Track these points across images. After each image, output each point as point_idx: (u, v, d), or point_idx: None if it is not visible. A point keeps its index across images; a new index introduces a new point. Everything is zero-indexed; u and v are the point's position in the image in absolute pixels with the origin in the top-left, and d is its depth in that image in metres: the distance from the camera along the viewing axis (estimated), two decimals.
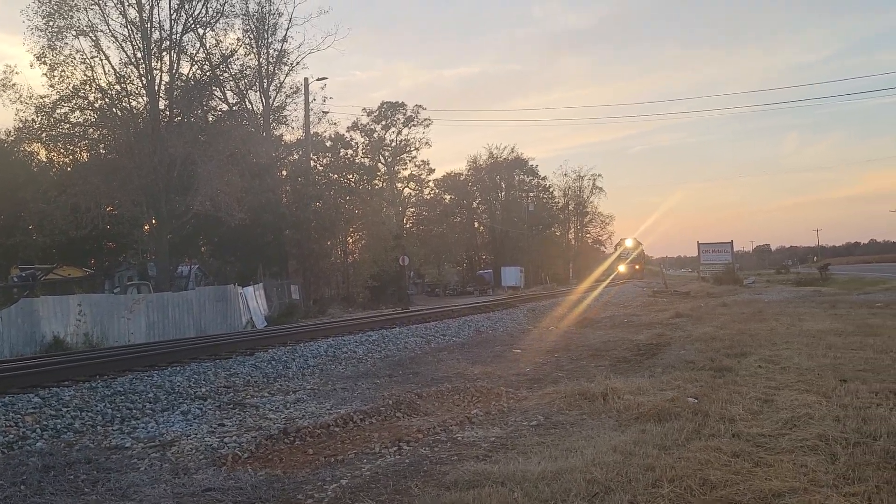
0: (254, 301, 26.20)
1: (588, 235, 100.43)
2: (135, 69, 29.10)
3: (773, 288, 36.67)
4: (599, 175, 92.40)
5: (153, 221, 30.04)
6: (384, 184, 57.35)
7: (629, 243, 73.72)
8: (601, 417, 6.81)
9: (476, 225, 78.53)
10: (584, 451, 5.46)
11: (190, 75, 31.68)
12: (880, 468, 4.56)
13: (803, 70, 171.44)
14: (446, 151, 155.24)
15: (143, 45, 28.89)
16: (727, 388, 7.68)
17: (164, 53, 29.91)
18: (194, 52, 31.72)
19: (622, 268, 72.59)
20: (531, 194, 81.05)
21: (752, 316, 17.73)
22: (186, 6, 30.04)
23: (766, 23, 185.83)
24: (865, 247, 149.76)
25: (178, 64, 30.74)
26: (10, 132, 31.88)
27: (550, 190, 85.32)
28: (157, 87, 29.50)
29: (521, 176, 79.48)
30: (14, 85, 26.85)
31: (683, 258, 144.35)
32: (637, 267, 76.39)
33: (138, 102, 30.03)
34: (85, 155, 31.39)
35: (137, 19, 28.81)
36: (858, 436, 5.33)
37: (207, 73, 32.50)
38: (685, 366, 9.67)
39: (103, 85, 28.73)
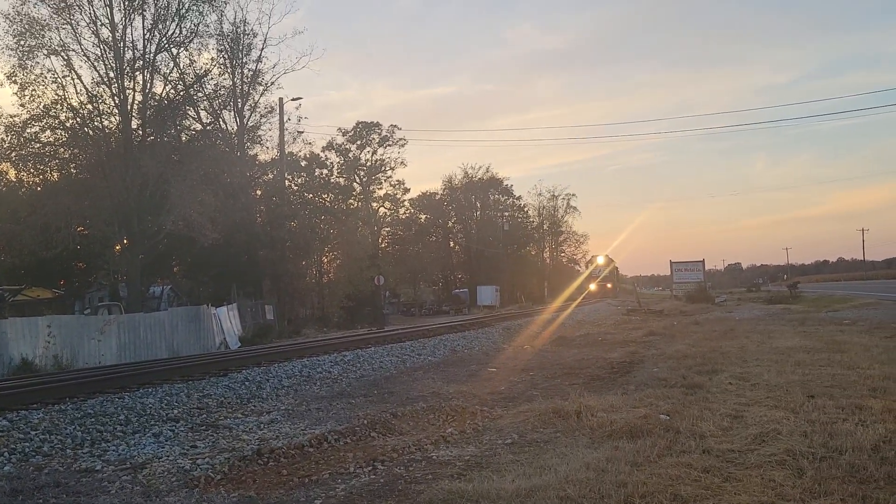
0: (227, 322, 25.95)
1: (563, 254, 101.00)
2: (107, 88, 28.96)
3: (744, 306, 37.17)
4: (573, 195, 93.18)
5: (125, 241, 29.74)
6: (359, 203, 57.28)
7: (601, 260, 72.91)
8: (575, 435, 6.86)
9: (451, 244, 78.67)
10: (558, 468, 5.50)
11: (163, 95, 31.58)
12: (845, 482, 4.65)
13: (771, 92, 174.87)
14: (422, 171, 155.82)
15: (115, 64, 28.76)
16: (698, 404, 7.78)
17: (138, 73, 29.81)
18: (168, 71, 31.67)
19: (593, 286, 71.03)
20: (506, 213, 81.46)
21: (724, 334, 17.94)
22: (160, 26, 30.01)
23: (736, 46, 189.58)
24: (834, 265, 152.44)
25: (152, 83, 30.67)
26: None
27: (525, 209, 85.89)
28: (129, 107, 29.34)
29: (496, 195, 79.88)
30: None
31: (657, 276, 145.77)
32: (609, 286, 74.35)
33: (110, 122, 29.87)
34: (55, 174, 31.08)
35: (110, 39, 28.72)
36: (825, 450, 5.43)
37: (181, 93, 32.40)
38: (658, 383, 9.77)
39: (75, 104, 28.55)
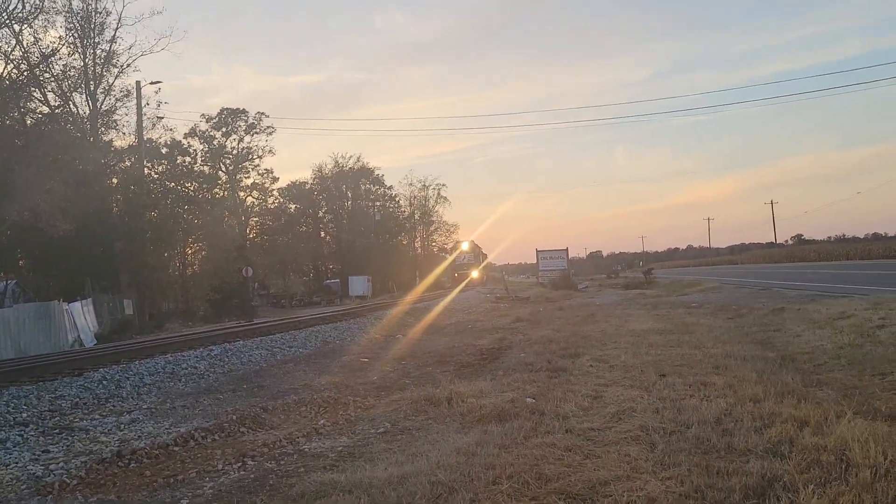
0: (81, 318, 24.45)
1: (434, 244, 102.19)
2: None
3: (604, 292, 39.09)
4: (444, 185, 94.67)
5: None
6: (226, 193, 55.36)
7: (465, 246, 70.17)
8: (446, 421, 7.02)
9: (322, 234, 77.66)
10: (430, 454, 5.62)
11: (5, 74, 29.17)
12: (692, 453, 5.05)
13: (631, 88, 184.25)
14: (291, 160, 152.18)
15: None
16: (562, 387, 8.15)
17: None
18: (10, 49, 29.26)
19: (456, 275, 67.14)
20: (377, 203, 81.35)
21: (586, 319, 18.82)
22: (0, 1, 27.68)
23: (598, 42, 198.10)
24: (684, 252, 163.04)
25: None
26: None
27: (397, 199, 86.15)
28: None
29: (368, 185, 79.59)
30: None
31: (524, 265, 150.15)
32: (475, 274, 69.62)
33: None
34: None
35: None
36: (674, 425, 5.86)
37: (25, 73, 30.05)
38: (524, 368, 10.14)
39: None
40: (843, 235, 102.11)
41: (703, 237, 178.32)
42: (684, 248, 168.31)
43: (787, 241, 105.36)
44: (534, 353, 11.90)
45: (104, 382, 11.39)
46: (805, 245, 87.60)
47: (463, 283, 61.81)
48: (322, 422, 7.60)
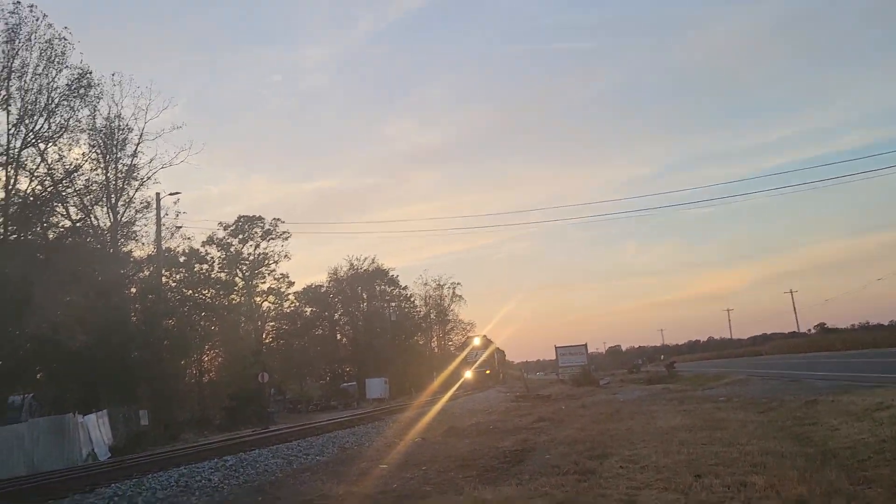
0: (96, 430, 24.05)
1: (451, 343, 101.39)
2: None
3: (626, 387, 38.22)
4: (459, 283, 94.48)
5: None
6: (242, 298, 55.64)
7: (477, 342, 65.35)
8: None
9: (338, 336, 77.37)
10: None
11: (29, 191, 29.99)
12: None
13: (637, 183, 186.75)
14: (306, 263, 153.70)
15: None
16: (592, 491, 7.75)
17: (0, 169, 28.24)
18: (34, 167, 30.20)
19: (469, 373, 60.16)
20: (393, 304, 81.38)
21: (610, 416, 18.26)
22: (27, 121, 28.84)
23: (598, 145, 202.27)
24: (705, 344, 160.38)
25: (16, 180, 29.12)
26: None
27: (412, 299, 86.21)
28: None
29: (383, 286, 79.88)
30: None
31: (543, 361, 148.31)
32: (487, 371, 63.60)
33: None
34: None
35: None
36: None
37: (49, 189, 30.90)
38: (551, 471, 9.71)
39: None
40: (868, 323, 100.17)
41: (724, 328, 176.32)
42: (705, 339, 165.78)
43: (809, 330, 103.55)
44: (559, 455, 11.44)
45: (115, 499, 11.01)
46: (829, 333, 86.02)
47: (469, 385, 56.19)
48: None
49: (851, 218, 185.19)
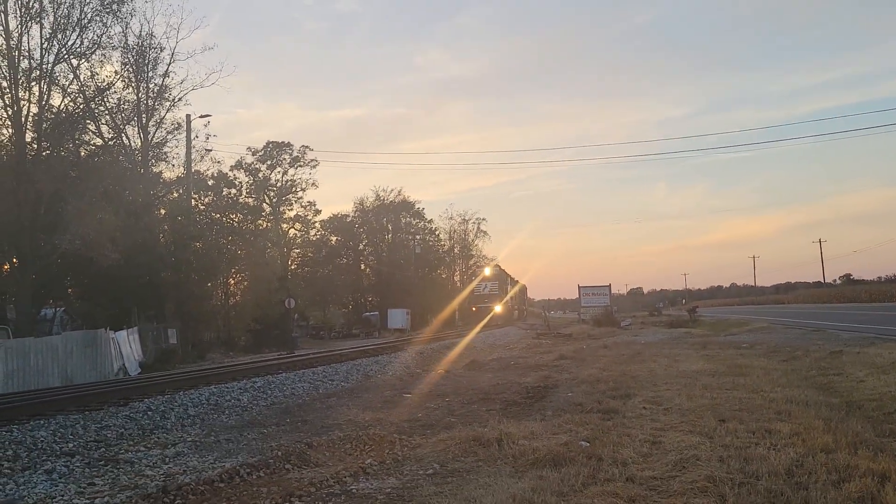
0: (127, 346, 24.71)
1: (474, 278, 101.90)
2: None
3: (647, 329, 38.35)
4: (484, 219, 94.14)
5: (14, 261, 27.96)
6: (269, 224, 56.07)
7: (487, 272, 57.85)
8: (497, 464, 6.77)
9: (362, 267, 77.98)
10: (484, 500, 5.39)
11: (61, 107, 30.09)
12: None
13: (668, 125, 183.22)
14: (333, 193, 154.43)
15: (9, 73, 27.24)
16: (616, 430, 7.85)
17: (34, 84, 28.30)
18: (67, 83, 30.21)
19: (477, 308, 53.77)
20: (417, 237, 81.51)
21: (632, 357, 18.38)
22: (60, 36, 28.66)
23: (633, 82, 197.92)
24: (727, 290, 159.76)
25: (49, 95, 29.20)
26: None
27: (437, 233, 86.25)
28: (23, 119, 27.77)
29: (408, 218, 79.93)
30: None
31: (564, 300, 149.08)
32: (498, 309, 54.25)
33: (2, 134, 28.19)
34: None
35: (4, 47, 27.18)
36: (742, 476, 5.54)
37: (81, 106, 30.95)
38: (574, 408, 9.83)
39: None
40: (895, 276, 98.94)
41: (748, 275, 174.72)
42: (727, 286, 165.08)
43: (835, 280, 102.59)
44: (582, 393, 11.57)
45: (149, 413, 11.37)
46: (855, 285, 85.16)
47: (485, 320, 49.33)
48: (369, 460, 7.40)
49: (887, 168, 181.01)
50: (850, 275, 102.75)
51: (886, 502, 4.65)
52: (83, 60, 30.17)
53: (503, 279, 57.30)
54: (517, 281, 73.82)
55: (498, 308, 52.63)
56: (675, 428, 7.82)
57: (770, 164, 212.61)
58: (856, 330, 22.38)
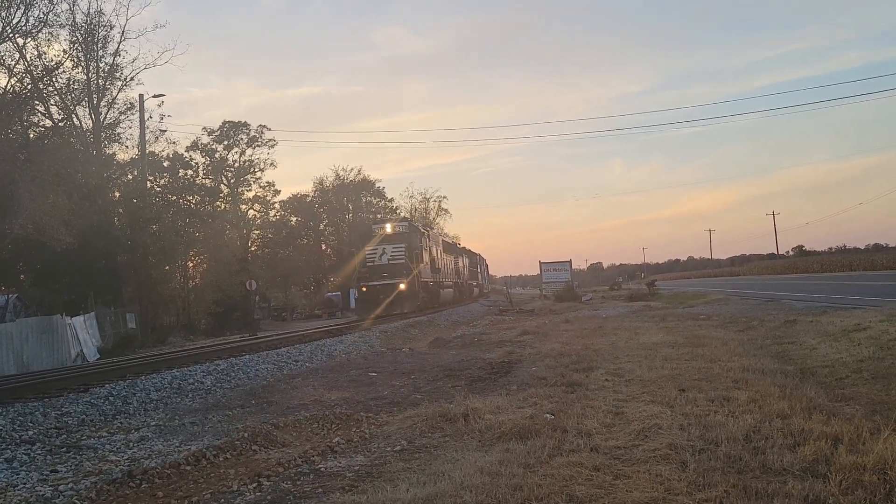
0: (84, 332, 24.29)
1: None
2: None
3: (608, 304, 38.91)
4: (445, 197, 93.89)
5: None
6: (227, 206, 55.22)
7: (389, 228, 33.42)
8: (464, 438, 6.85)
9: (323, 247, 77.46)
10: (452, 474, 5.45)
11: (8, 88, 29.15)
12: (726, 473, 4.89)
13: (624, 101, 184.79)
14: (292, 173, 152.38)
15: None
16: (580, 402, 7.98)
17: None
18: (13, 63, 29.26)
19: (367, 287, 31.45)
20: (378, 216, 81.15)
21: (594, 331, 18.65)
22: (3, 14, 27.71)
23: (590, 58, 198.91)
24: (685, 263, 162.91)
25: None
26: None
27: (398, 211, 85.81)
28: None
29: (369, 198, 79.44)
30: None
31: (525, 277, 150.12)
32: (403, 286, 30.91)
33: None
34: None
35: None
36: (703, 443, 5.70)
37: (28, 87, 30.02)
38: (538, 382, 9.97)
39: None
40: (845, 246, 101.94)
41: (704, 249, 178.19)
42: (685, 259, 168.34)
43: (788, 252, 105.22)
44: (546, 367, 11.73)
45: (110, 398, 11.21)
46: (807, 256, 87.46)
47: (381, 306, 30.87)
48: (336, 439, 7.43)
49: (839, 140, 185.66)
50: (802, 246, 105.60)
51: (840, 463, 4.83)
52: (29, 39, 29.31)
53: (415, 238, 33.18)
54: (462, 247, 58.27)
55: (403, 285, 30.59)
56: (636, 398, 7.99)
57: (724, 139, 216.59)
58: (809, 300, 23.01)
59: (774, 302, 23.77)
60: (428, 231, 38.81)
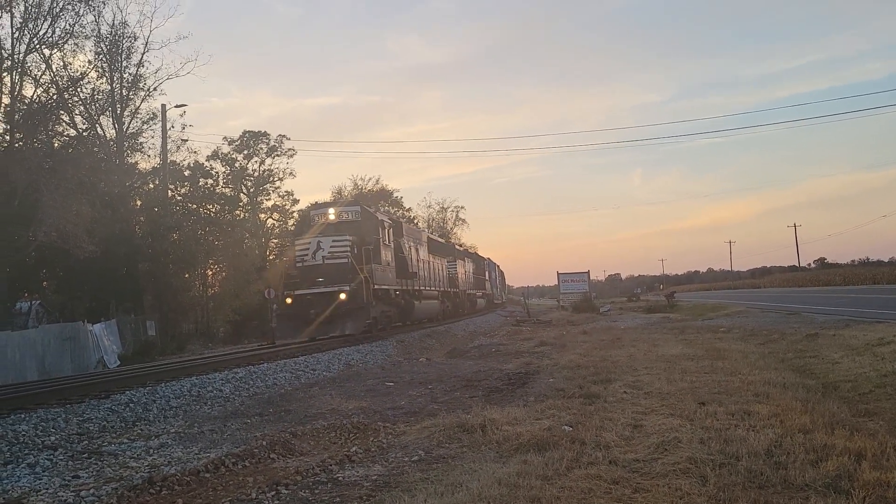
0: (105, 339, 24.51)
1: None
2: None
3: (626, 315, 38.70)
4: (462, 207, 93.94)
5: None
6: (246, 214, 55.60)
7: (332, 214, 23.72)
8: (482, 449, 6.84)
9: None
10: (469, 485, 5.45)
11: (34, 98, 29.62)
12: (747, 488, 4.84)
13: (642, 111, 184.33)
14: (310, 182, 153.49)
15: None
16: (598, 414, 7.95)
17: (5, 74, 27.82)
18: (39, 73, 29.75)
19: (294, 297, 21.86)
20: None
21: (612, 343, 18.56)
22: (31, 25, 28.17)
23: (606, 68, 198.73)
24: (704, 275, 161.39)
25: (21, 86, 28.71)
26: None
27: (415, 221, 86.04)
28: None
29: (387, 207, 79.64)
30: None
31: (543, 287, 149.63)
32: (343, 296, 21.07)
33: None
34: None
35: None
36: (723, 457, 5.65)
37: (54, 97, 30.48)
38: (556, 394, 9.94)
39: None
40: (868, 259, 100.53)
41: (724, 260, 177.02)
42: (704, 271, 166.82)
43: (809, 264, 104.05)
44: (563, 379, 11.69)
45: (131, 405, 11.30)
46: (829, 269, 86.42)
47: (314, 323, 22.19)
48: (354, 448, 7.44)
49: (861, 152, 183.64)
50: (824, 258, 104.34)
51: (863, 479, 4.77)
52: (55, 50, 29.80)
53: (369, 229, 23.84)
54: (463, 249, 50.86)
55: (343, 294, 21.53)
56: (655, 411, 7.94)
57: (744, 150, 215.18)
58: (831, 313, 22.76)
59: (796, 315, 23.53)
60: (399, 222, 29.89)
